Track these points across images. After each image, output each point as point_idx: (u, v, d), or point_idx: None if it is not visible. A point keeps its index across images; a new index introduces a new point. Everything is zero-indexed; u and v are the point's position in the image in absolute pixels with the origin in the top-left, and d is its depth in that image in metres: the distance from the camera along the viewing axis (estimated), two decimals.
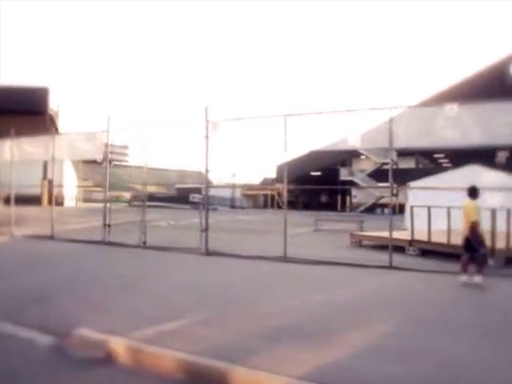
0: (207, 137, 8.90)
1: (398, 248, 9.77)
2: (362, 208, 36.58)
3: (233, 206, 36.74)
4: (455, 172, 16.26)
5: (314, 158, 37.09)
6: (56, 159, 11.57)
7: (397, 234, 11.06)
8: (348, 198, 41.74)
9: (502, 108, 7.05)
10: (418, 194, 16.27)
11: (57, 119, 24.33)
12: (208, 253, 8.71)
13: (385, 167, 38.43)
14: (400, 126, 7.79)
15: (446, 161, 42.95)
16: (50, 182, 26.16)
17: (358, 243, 11.08)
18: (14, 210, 12.99)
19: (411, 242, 9.68)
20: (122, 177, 67.76)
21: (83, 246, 9.66)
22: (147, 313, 4.45)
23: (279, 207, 40.52)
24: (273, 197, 39.80)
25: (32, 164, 18.76)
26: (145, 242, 9.43)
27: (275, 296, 5.32)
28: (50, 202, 25.06)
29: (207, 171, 9.03)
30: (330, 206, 38.04)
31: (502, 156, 34.28)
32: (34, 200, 23.14)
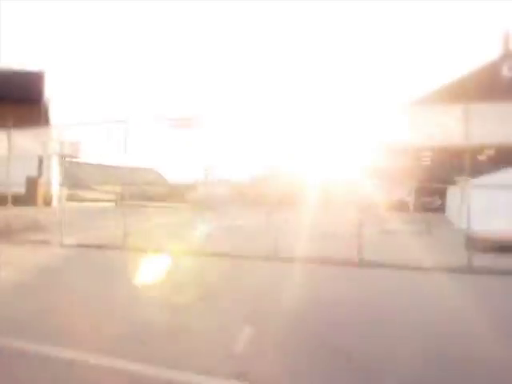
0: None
1: None
2: None
3: None
4: None
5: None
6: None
7: None
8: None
9: (491, 108, 7.14)
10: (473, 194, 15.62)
11: (49, 108, 21.39)
12: (362, 263, 7.23)
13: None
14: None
15: (427, 158, 43.78)
16: (37, 181, 23.08)
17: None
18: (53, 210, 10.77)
19: None
20: (78, 175, 63.15)
21: (191, 261, 7.79)
22: None
23: None
24: None
25: (15, 159, 16.06)
26: None
27: None
28: (45, 202, 22.04)
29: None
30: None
31: (485, 154, 35.33)
32: (19, 200, 20.12)
